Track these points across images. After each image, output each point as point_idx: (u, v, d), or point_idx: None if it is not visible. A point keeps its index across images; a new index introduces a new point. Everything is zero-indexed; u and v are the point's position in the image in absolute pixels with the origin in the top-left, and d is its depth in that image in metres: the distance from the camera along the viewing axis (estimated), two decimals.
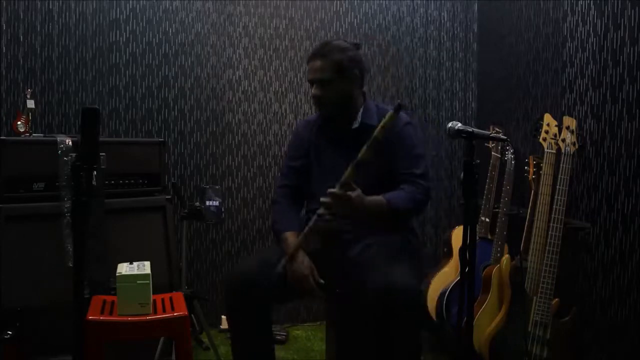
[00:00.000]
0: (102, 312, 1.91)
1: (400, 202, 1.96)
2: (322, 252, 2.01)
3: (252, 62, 3.19)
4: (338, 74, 2.02)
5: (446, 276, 2.83)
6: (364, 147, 1.80)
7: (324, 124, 2.16)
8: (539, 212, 2.39)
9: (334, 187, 1.83)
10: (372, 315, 1.84)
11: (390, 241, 2.03)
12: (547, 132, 2.44)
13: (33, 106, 2.56)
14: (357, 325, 2.10)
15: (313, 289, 1.91)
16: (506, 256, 2.54)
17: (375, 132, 1.80)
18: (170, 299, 2.08)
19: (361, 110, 2.10)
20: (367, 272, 1.89)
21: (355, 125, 2.09)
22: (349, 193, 1.82)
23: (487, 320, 2.50)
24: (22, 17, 2.81)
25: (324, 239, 2.02)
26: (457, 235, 2.91)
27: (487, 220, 2.86)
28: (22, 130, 2.49)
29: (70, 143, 2.32)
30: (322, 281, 1.92)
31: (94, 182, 1.55)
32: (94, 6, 2.94)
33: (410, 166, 2.04)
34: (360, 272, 1.91)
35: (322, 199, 1.84)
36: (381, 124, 1.80)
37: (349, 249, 2.02)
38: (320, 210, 1.84)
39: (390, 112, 1.80)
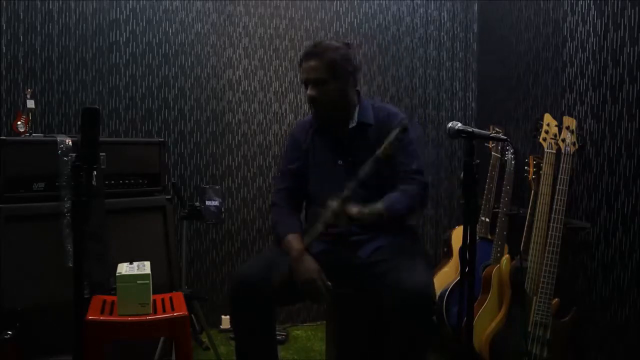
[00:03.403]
0: (102, 312, 1.91)
1: (398, 206, 1.94)
2: (328, 254, 2.00)
3: (252, 62, 3.19)
4: (333, 73, 2.00)
5: (446, 276, 2.83)
6: (367, 165, 1.82)
7: (320, 124, 2.13)
8: (539, 212, 2.39)
9: (332, 199, 1.85)
10: (386, 316, 1.84)
11: (400, 242, 2.02)
12: (547, 132, 2.44)
13: (33, 106, 2.56)
14: (359, 326, 2.09)
15: (322, 292, 1.90)
16: (506, 256, 2.54)
17: (380, 151, 1.81)
18: (170, 299, 2.08)
19: (357, 109, 2.09)
20: (383, 273, 1.88)
21: (352, 124, 2.08)
22: (347, 209, 1.83)
23: (487, 320, 2.50)
24: (22, 17, 2.81)
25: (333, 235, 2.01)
26: (457, 235, 2.91)
27: (487, 220, 2.86)
28: (22, 130, 2.49)
29: (70, 143, 2.32)
30: (329, 284, 1.90)
31: (94, 182, 1.56)
32: (94, 6, 2.94)
33: (406, 163, 2.03)
34: (375, 274, 1.90)
35: (322, 218, 1.85)
36: (385, 144, 1.82)
37: (359, 251, 2.01)
38: (321, 228, 1.86)
39: (396, 131, 1.82)
